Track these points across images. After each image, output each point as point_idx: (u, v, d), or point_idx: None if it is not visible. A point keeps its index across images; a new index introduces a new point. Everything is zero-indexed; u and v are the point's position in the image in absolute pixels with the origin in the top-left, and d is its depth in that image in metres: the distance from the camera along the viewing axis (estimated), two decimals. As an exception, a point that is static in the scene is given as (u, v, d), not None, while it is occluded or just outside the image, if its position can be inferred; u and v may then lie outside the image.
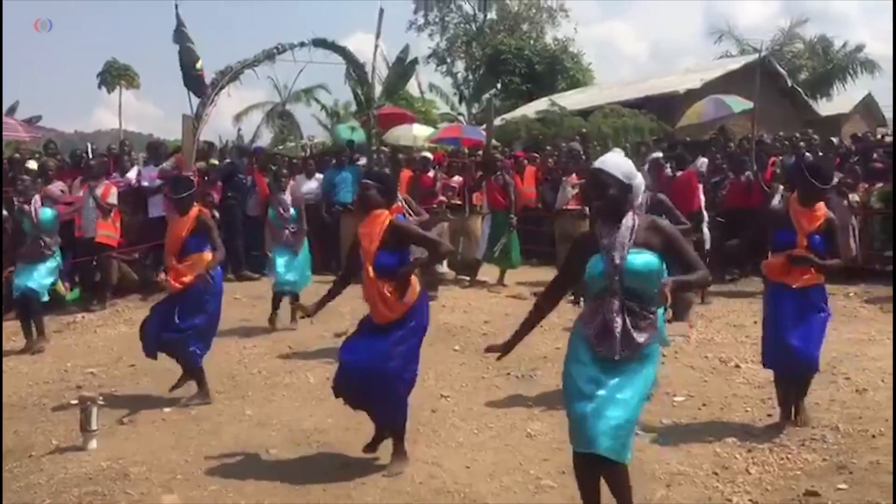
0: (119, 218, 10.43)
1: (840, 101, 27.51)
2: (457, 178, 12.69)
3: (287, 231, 8.65)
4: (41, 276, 8.17)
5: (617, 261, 3.44)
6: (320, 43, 11.94)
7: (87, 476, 4.78)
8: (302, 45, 11.65)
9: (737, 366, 6.83)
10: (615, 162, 3.60)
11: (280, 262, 8.61)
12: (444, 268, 10.60)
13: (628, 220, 3.52)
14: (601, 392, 3.43)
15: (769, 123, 16.96)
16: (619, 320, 3.43)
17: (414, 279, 4.76)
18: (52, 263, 8.28)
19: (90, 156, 12.24)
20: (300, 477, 4.71)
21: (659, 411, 5.74)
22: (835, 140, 12.95)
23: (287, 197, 8.70)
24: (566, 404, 3.60)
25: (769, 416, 5.60)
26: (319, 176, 12.75)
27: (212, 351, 7.01)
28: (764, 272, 5.55)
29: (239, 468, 4.88)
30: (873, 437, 5.08)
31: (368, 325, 4.82)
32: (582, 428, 3.44)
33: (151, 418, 5.87)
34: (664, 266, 3.52)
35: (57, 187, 10.92)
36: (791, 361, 5.26)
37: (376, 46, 12.68)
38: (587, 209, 11.42)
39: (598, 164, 3.62)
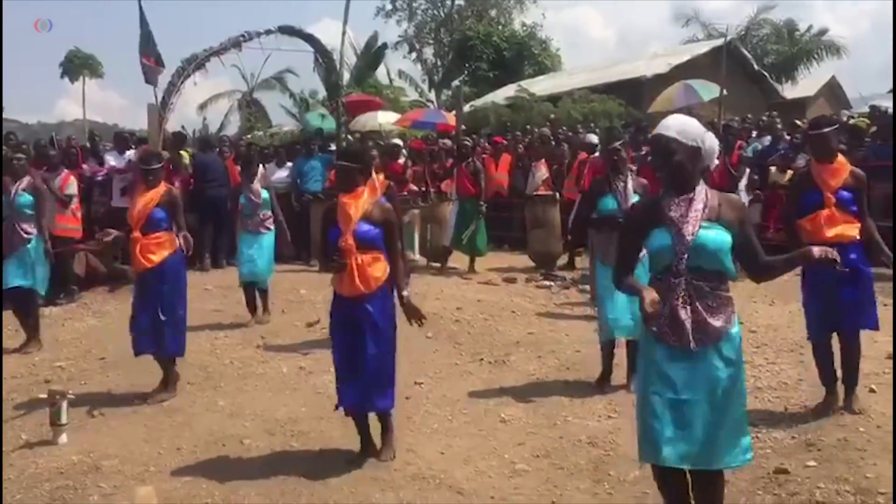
0: (80, 208, 10.23)
1: (805, 84, 27.86)
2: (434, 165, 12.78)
3: (259, 217, 8.57)
4: (36, 269, 7.72)
5: (688, 236, 3.09)
6: (287, 30, 11.90)
7: (58, 470, 4.73)
8: (268, 32, 11.62)
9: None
10: (680, 123, 3.19)
11: (246, 252, 8.53)
12: (415, 255, 10.60)
13: (701, 190, 3.16)
14: (686, 395, 3.10)
15: (736, 107, 17.12)
16: (687, 305, 3.09)
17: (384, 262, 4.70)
18: (39, 250, 7.80)
19: (55, 146, 12.04)
20: (274, 466, 4.70)
21: (632, 395, 5.78)
22: (799, 122, 13.05)
23: (257, 184, 8.62)
24: (642, 415, 3.22)
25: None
26: (290, 165, 12.65)
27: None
28: (800, 238, 5.20)
29: (212, 459, 4.86)
30: (841, 414, 5.16)
31: (342, 329, 4.70)
32: (665, 440, 3.08)
33: (122, 411, 5.81)
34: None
35: (40, 183, 10.73)
36: (840, 315, 5.09)
37: (344, 33, 12.64)
38: (557, 195, 11.52)
39: (659, 128, 3.20)
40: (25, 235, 7.71)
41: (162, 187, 6.14)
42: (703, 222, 3.11)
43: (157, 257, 5.98)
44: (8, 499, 4.40)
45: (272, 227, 8.62)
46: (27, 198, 7.73)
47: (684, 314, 3.09)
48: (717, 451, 3.12)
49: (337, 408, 4.77)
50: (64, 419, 5.18)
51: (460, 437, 5.17)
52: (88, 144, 12.91)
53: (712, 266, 3.12)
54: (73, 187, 9.86)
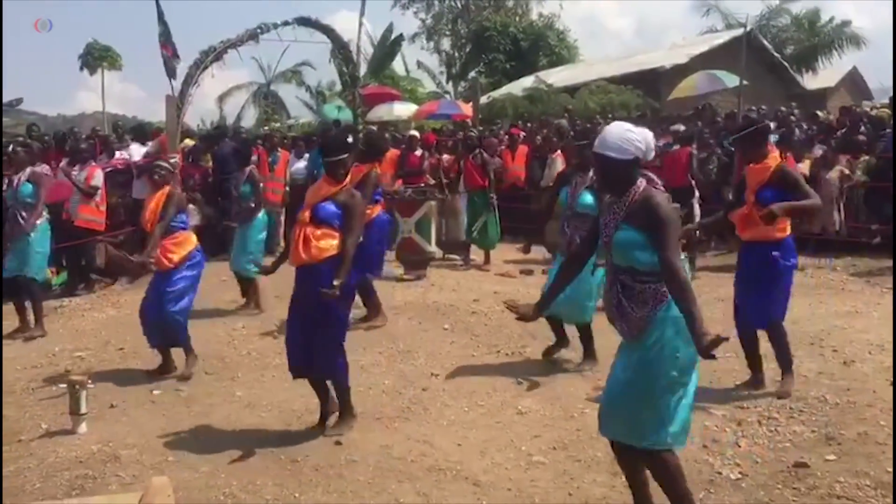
0: (105, 201, 10.33)
1: (826, 75, 27.55)
2: (446, 157, 12.67)
3: (242, 206, 8.65)
4: (35, 259, 7.92)
5: (605, 237, 3.45)
6: (304, 22, 11.87)
7: (77, 459, 4.77)
8: (286, 24, 11.59)
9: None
10: (616, 140, 3.38)
11: (238, 243, 8.63)
12: (432, 247, 10.55)
13: (630, 193, 3.37)
14: (624, 375, 3.45)
15: (755, 98, 16.95)
16: (614, 296, 3.43)
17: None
18: (40, 241, 8.00)
19: (77, 138, 12.13)
20: (292, 457, 4.71)
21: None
22: (820, 113, 12.95)
23: (244, 174, 8.70)
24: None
25: (757, 388, 5.63)
26: (307, 155, 12.67)
27: (201, 333, 7.01)
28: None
29: (230, 449, 4.87)
30: (862, 407, 5.12)
31: (294, 298, 5.04)
32: (603, 414, 3.54)
33: (141, 401, 5.85)
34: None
35: (41, 170, 10.83)
36: (741, 319, 5.57)
37: (361, 24, 12.61)
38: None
39: (598, 146, 3.43)
40: (25, 225, 7.87)
41: (166, 188, 6.35)
42: (623, 224, 3.38)
43: (177, 256, 6.25)
44: (28, 487, 4.45)
45: (250, 216, 8.60)
46: (28, 187, 7.88)
47: (612, 304, 3.46)
48: (640, 431, 3.40)
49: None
50: (83, 408, 5.22)
51: (477, 428, 5.16)
52: (113, 136, 12.99)
53: (626, 263, 3.40)
54: (98, 179, 9.97)
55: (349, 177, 5.08)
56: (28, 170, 8.00)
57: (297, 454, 4.75)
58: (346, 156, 4.96)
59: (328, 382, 5.15)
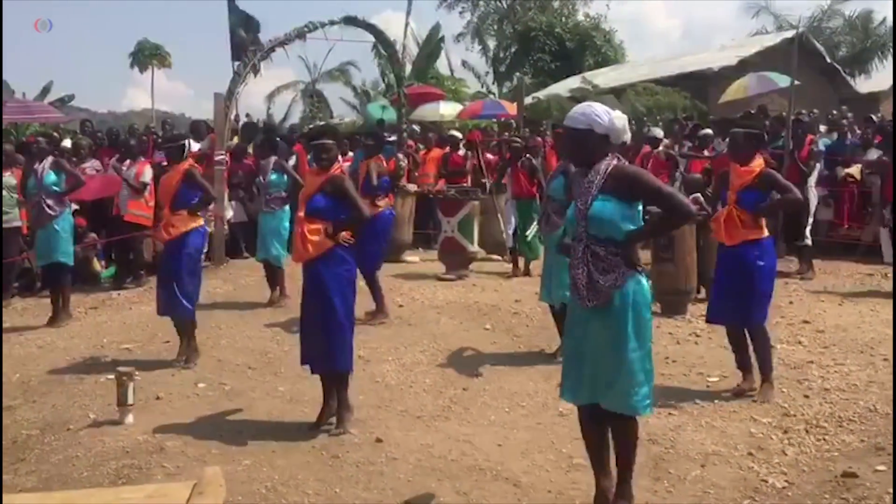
0: (154, 197, 10.51)
1: (879, 78, 26.93)
2: (489, 157, 12.61)
3: (265, 197, 8.77)
4: (61, 244, 8.17)
5: (582, 207, 3.57)
6: (351, 21, 11.94)
7: (124, 449, 4.85)
8: (332, 23, 11.66)
9: (771, 346, 6.73)
10: (574, 111, 3.68)
11: (259, 232, 8.80)
12: (474, 247, 10.50)
13: (601, 166, 3.60)
14: (588, 345, 3.63)
15: (806, 101, 16.61)
16: (582, 266, 3.57)
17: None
18: (64, 224, 8.24)
19: (133, 135, 12.40)
20: (332, 453, 4.74)
21: (693, 392, 5.69)
22: (874, 117, 12.65)
23: (269, 165, 8.80)
24: (564, 359, 3.86)
25: (806, 396, 5.53)
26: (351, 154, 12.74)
27: (244, 328, 7.09)
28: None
29: (272, 444, 4.91)
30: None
31: (303, 293, 5.18)
32: (565, 381, 3.76)
33: (186, 394, 5.94)
34: (635, 211, 3.61)
35: (91, 166, 11.07)
36: (727, 315, 5.60)
37: (407, 24, 12.64)
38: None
39: (566, 119, 3.72)
40: (51, 213, 8.13)
41: (183, 164, 6.56)
42: (599, 195, 3.54)
43: (175, 230, 6.44)
44: (75, 475, 4.53)
45: (277, 207, 8.72)
46: (52, 176, 8.12)
47: (578, 274, 3.59)
48: (610, 394, 3.60)
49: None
50: (131, 400, 5.31)
51: (518, 429, 5.14)
52: (160, 133, 13.23)
53: (605, 233, 3.55)
54: (147, 175, 10.16)
55: (336, 165, 5.21)
56: (50, 158, 8.30)
57: (339, 450, 4.78)
58: (327, 141, 5.12)
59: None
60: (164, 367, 6.57)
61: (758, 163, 5.45)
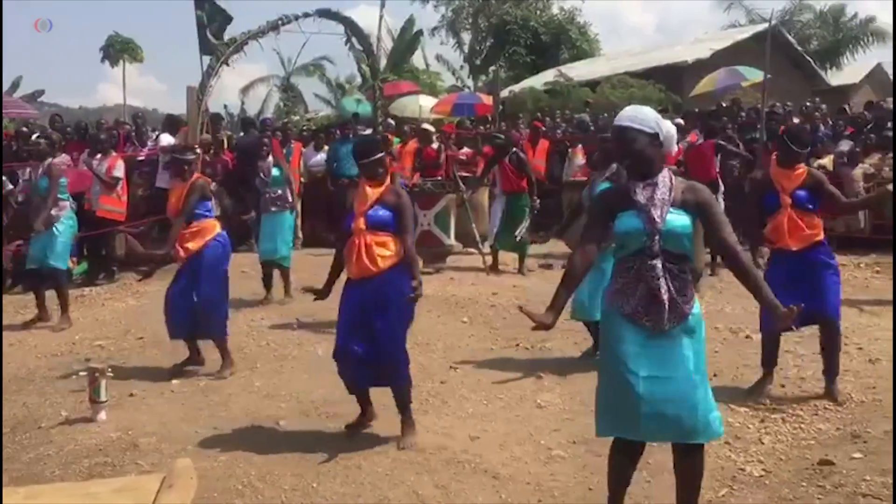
0: (127, 191, 10.38)
1: (850, 71, 27.23)
2: (465, 150, 12.57)
3: (268, 195, 8.61)
4: (58, 249, 7.91)
5: (657, 220, 3.20)
6: (325, 13, 11.86)
7: (97, 447, 4.78)
8: (307, 15, 11.59)
9: (748, 336, 6.79)
10: (634, 112, 3.35)
11: (262, 230, 8.64)
12: (451, 240, 10.48)
13: (665, 176, 3.28)
14: (661, 373, 3.21)
15: (778, 93, 16.76)
16: (664, 285, 3.20)
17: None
18: (65, 231, 8.00)
19: (99, 129, 12.20)
20: (310, 447, 4.69)
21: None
22: (847, 108, 12.77)
23: (269, 161, 8.69)
24: (613, 391, 3.30)
25: (782, 386, 5.56)
26: (327, 148, 12.68)
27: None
28: (767, 239, 5.49)
29: (249, 439, 4.87)
30: (888, 405, 5.03)
31: (351, 308, 4.75)
32: (641, 415, 3.20)
33: (160, 390, 5.86)
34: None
35: (62, 160, 10.89)
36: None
37: (381, 17, 12.58)
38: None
39: (618, 119, 3.34)
40: (53, 217, 7.87)
41: (193, 178, 6.23)
42: (671, 208, 3.23)
43: (193, 245, 6.09)
44: (47, 474, 4.46)
45: (283, 204, 8.60)
46: (45, 181, 7.90)
47: (663, 293, 3.20)
48: (694, 426, 3.23)
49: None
50: (103, 397, 5.23)
51: (496, 421, 5.13)
52: (133, 127, 13.07)
53: (678, 249, 3.26)
54: (120, 170, 10.03)
55: (389, 176, 4.89)
56: (46, 162, 8.02)
57: (316, 445, 4.74)
58: (380, 155, 4.76)
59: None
60: (138, 363, 6.49)
61: (801, 166, 5.33)
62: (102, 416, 5.22)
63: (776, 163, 5.36)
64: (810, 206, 5.25)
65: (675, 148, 3.40)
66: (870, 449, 4.43)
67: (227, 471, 4.41)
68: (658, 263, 3.21)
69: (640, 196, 3.24)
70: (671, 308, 3.21)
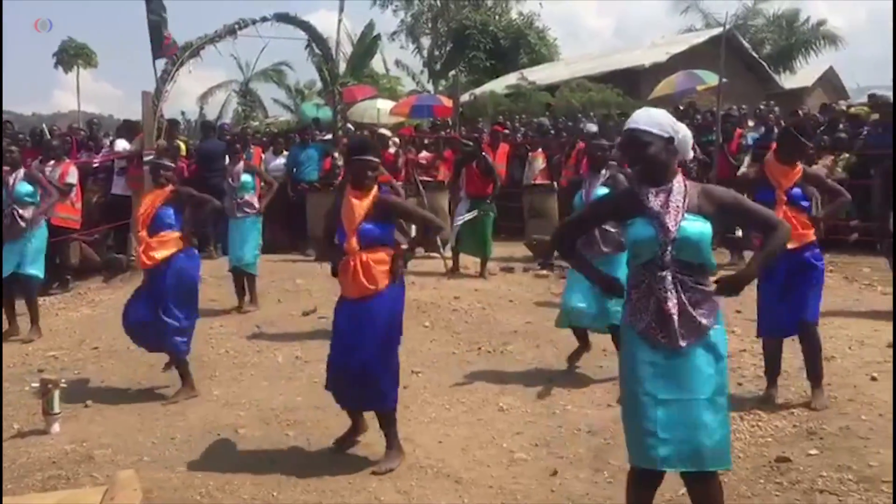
0: (81, 198, 10.18)
1: (803, 74, 27.75)
2: (425, 154, 12.54)
3: (235, 201, 8.48)
4: (31, 256, 7.67)
5: (672, 228, 3.03)
6: (283, 18, 11.76)
7: (50, 460, 4.67)
8: (264, 19, 11.47)
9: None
10: (649, 116, 3.16)
11: (230, 236, 8.56)
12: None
13: (679, 181, 3.11)
14: (680, 395, 3.01)
15: (733, 96, 17.02)
16: (673, 298, 3.01)
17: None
18: (36, 244, 7.76)
19: (51, 135, 11.96)
20: (270, 456, 4.65)
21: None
22: (801, 111, 13.00)
23: (239, 167, 8.56)
24: (630, 415, 3.11)
25: (739, 384, 5.61)
26: (286, 153, 12.56)
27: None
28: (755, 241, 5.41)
29: (207, 449, 4.80)
30: (843, 402, 5.12)
31: (345, 329, 4.54)
32: (660, 443, 2.98)
33: (116, 401, 5.75)
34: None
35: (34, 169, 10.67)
36: (784, 324, 5.24)
37: (340, 21, 12.49)
38: (554, 184, 11.40)
39: (630, 122, 3.16)
40: (24, 224, 7.65)
41: (169, 186, 5.99)
42: (686, 214, 3.05)
43: (159, 255, 5.81)
44: (-1, 489, 4.34)
45: (251, 211, 8.49)
46: (26, 186, 7.70)
47: (671, 307, 3.01)
48: (712, 452, 3.01)
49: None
50: (56, 408, 5.12)
51: (458, 426, 5.11)
52: (86, 133, 12.85)
53: (695, 259, 3.07)
54: (73, 177, 9.82)
55: (374, 185, 4.54)
56: (21, 170, 7.83)
57: (276, 453, 4.69)
58: (374, 159, 4.47)
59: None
60: (93, 373, 6.36)
61: (798, 164, 5.24)
62: (56, 428, 5.11)
63: (776, 159, 5.25)
64: (804, 204, 5.19)
65: (691, 153, 3.26)
66: (825, 445, 4.49)
67: (186, 481, 4.33)
68: (668, 275, 3.02)
69: (654, 203, 3.08)
70: (683, 322, 3.01)
